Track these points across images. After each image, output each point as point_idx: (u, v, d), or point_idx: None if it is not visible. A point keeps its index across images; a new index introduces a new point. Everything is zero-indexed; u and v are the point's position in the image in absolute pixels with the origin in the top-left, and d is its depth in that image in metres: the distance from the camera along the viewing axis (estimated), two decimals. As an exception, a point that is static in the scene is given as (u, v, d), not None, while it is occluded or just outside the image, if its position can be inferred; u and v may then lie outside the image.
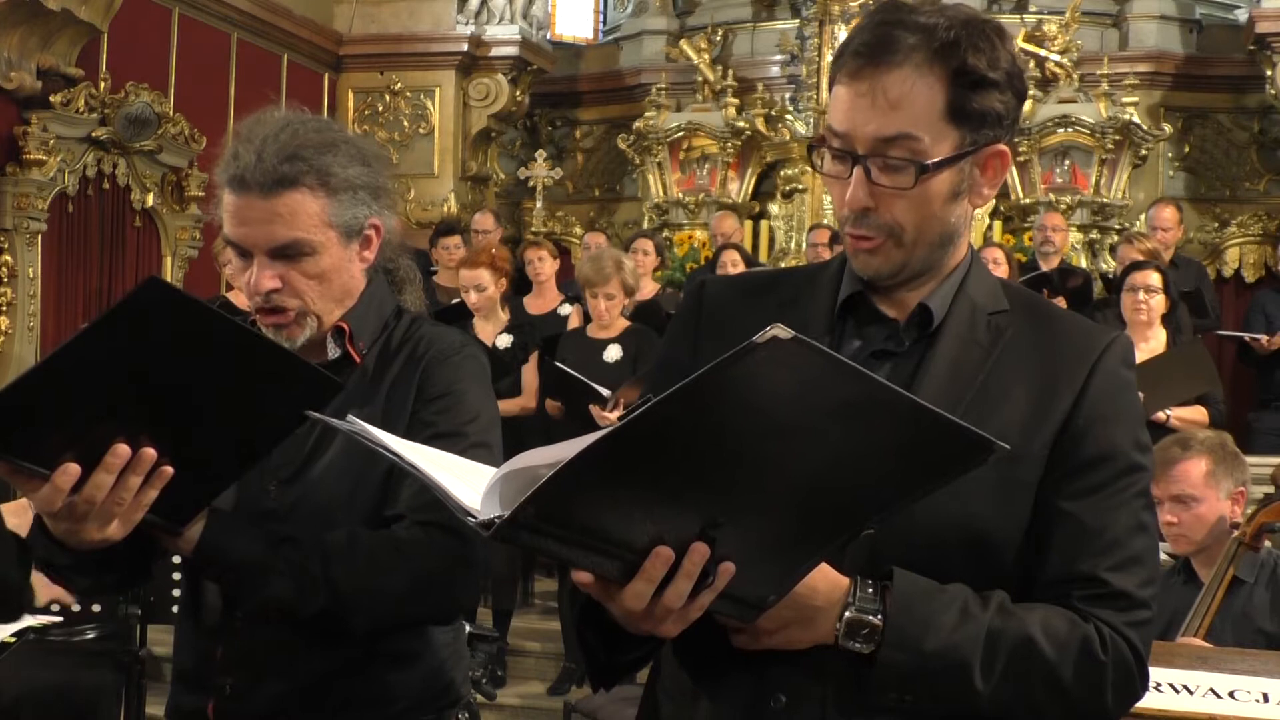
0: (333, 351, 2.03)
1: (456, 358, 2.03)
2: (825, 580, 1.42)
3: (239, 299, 5.78)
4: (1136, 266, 6.06)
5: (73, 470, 1.63)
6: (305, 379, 1.68)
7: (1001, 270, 6.74)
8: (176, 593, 3.28)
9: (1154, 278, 5.82)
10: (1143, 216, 9.11)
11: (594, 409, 5.76)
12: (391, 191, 2.08)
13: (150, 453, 1.65)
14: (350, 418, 1.53)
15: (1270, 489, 3.55)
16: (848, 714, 1.47)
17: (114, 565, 1.87)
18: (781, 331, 1.15)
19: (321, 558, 1.86)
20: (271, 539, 1.86)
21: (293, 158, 1.91)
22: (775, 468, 1.24)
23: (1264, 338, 7.84)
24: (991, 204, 9.64)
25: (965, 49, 1.48)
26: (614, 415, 5.65)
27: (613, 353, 6.01)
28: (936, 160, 1.49)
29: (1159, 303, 5.79)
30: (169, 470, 1.67)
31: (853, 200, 1.51)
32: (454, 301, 6.63)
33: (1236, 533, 3.30)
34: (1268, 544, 3.38)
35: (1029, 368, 1.55)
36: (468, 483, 1.36)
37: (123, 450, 1.64)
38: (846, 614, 1.43)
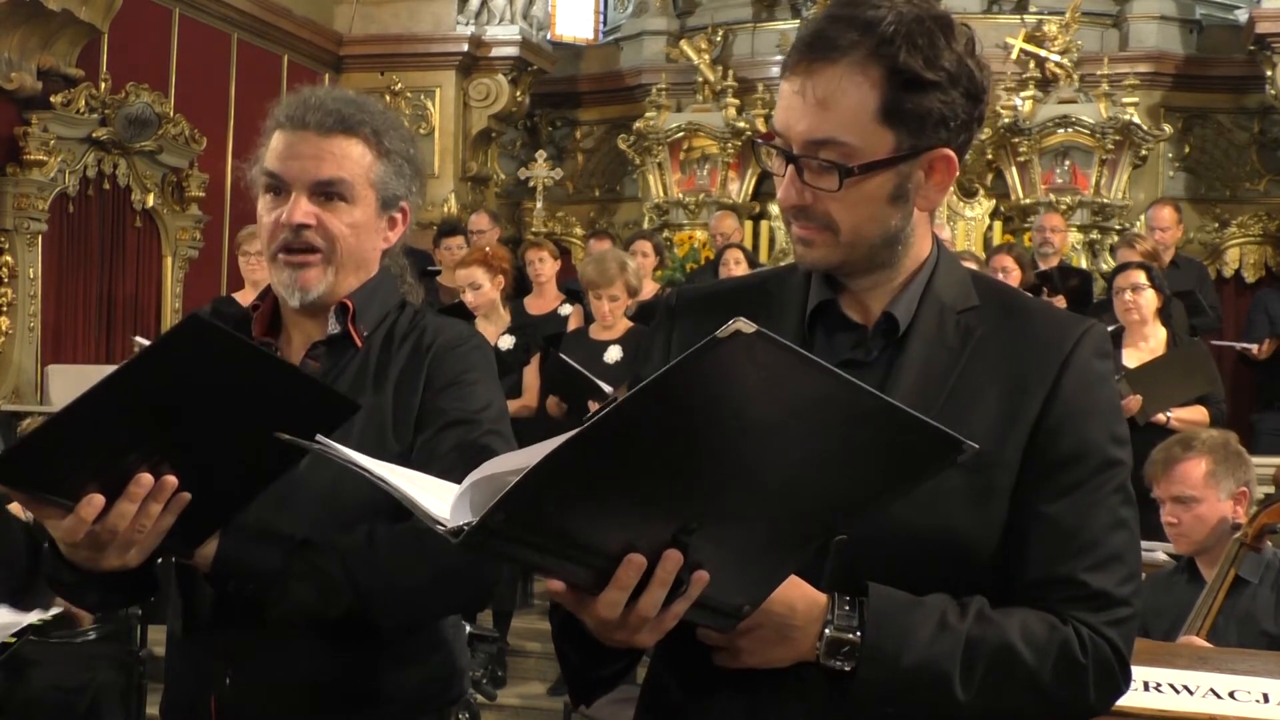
0: (333, 327, 2.02)
1: (464, 348, 2.03)
2: (803, 599, 1.41)
3: (244, 297, 5.78)
4: (1121, 269, 6.11)
5: (97, 501, 1.63)
6: (325, 403, 1.69)
7: (1014, 277, 6.73)
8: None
9: (1138, 276, 5.82)
10: (1142, 217, 9.11)
11: (593, 406, 5.76)
12: (424, 180, 2.13)
13: (172, 480, 1.66)
14: (319, 438, 1.54)
15: (1272, 489, 3.55)
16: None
17: (121, 585, 1.86)
18: (744, 325, 1.14)
19: (340, 559, 1.84)
20: (288, 545, 1.84)
21: (356, 109, 1.98)
22: (745, 469, 1.23)
23: (1254, 348, 7.84)
24: (992, 204, 9.66)
25: (900, 47, 1.44)
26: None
27: (614, 353, 6.00)
28: (864, 164, 1.46)
29: (1148, 299, 5.78)
30: (186, 496, 1.68)
31: (784, 198, 1.51)
32: (455, 301, 6.63)
33: (1238, 534, 3.31)
34: (1269, 544, 3.38)
35: (1000, 367, 1.52)
36: (439, 496, 1.36)
37: (146, 480, 1.64)
38: (826, 632, 1.42)
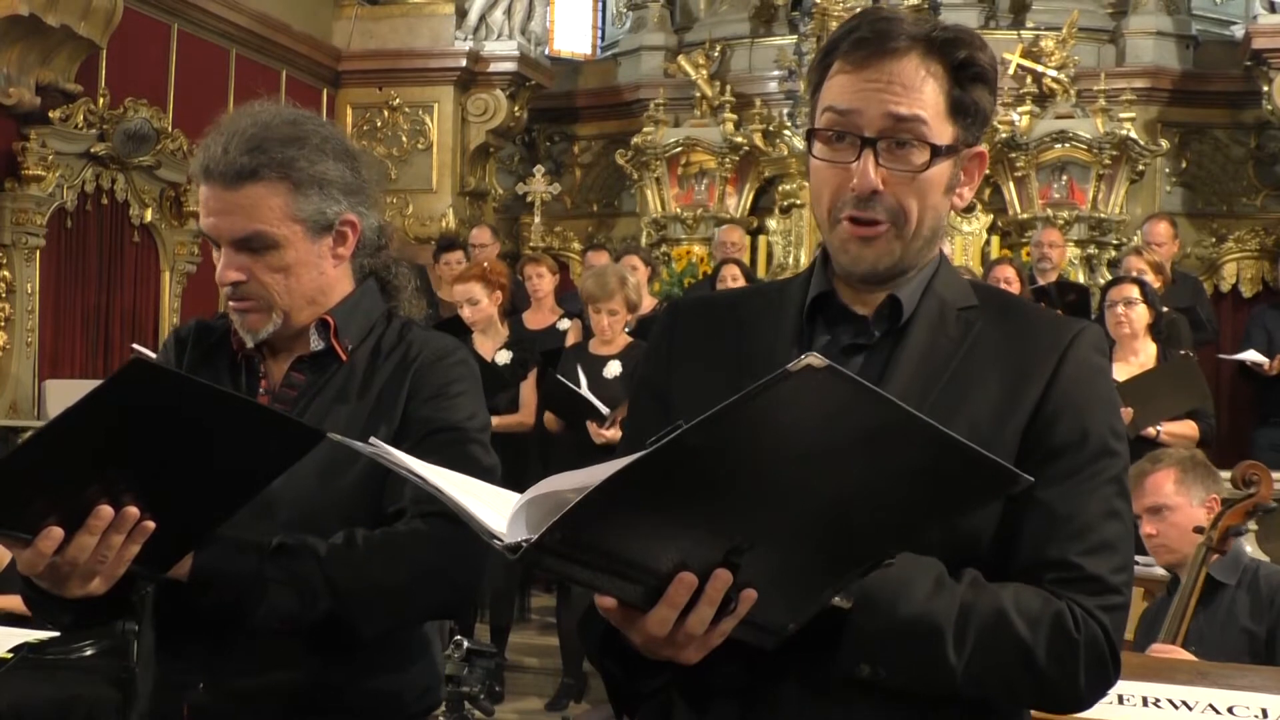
0: (315, 343, 2.02)
1: (449, 360, 2.03)
2: None
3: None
4: (1114, 283, 6.13)
5: (56, 534, 1.63)
6: (289, 433, 1.69)
7: (1014, 290, 6.73)
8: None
9: (1131, 290, 5.84)
10: (1138, 232, 9.12)
11: (591, 426, 5.75)
12: (370, 188, 2.06)
13: (133, 511, 1.65)
14: (373, 440, 1.53)
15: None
16: (826, 697, 1.46)
17: (94, 607, 1.82)
18: (816, 360, 1.15)
19: (318, 561, 1.83)
20: (264, 550, 1.83)
21: (256, 150, 1.92)
22: (799, 494, 1.25)
23: (1266, 364, 7.82)
24: (989, 219, 9.66)
25: (960, 46, 1.54)
26: (610, 432, 5.65)
27: (613, 368, 6.00)
28: (947, 144, 1.53)
29: (1139, 314, 5.78)
30: (150, 525, 1.67)
31: (863, 182, 1.52)
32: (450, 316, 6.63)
33: (1201, 538, 3.34)
34: (1249, 548, 3.41)
35: (1000, 358, 1.56)
36: (492, 506, 1.36)
37: (106, 512, 1.63)
38: None
